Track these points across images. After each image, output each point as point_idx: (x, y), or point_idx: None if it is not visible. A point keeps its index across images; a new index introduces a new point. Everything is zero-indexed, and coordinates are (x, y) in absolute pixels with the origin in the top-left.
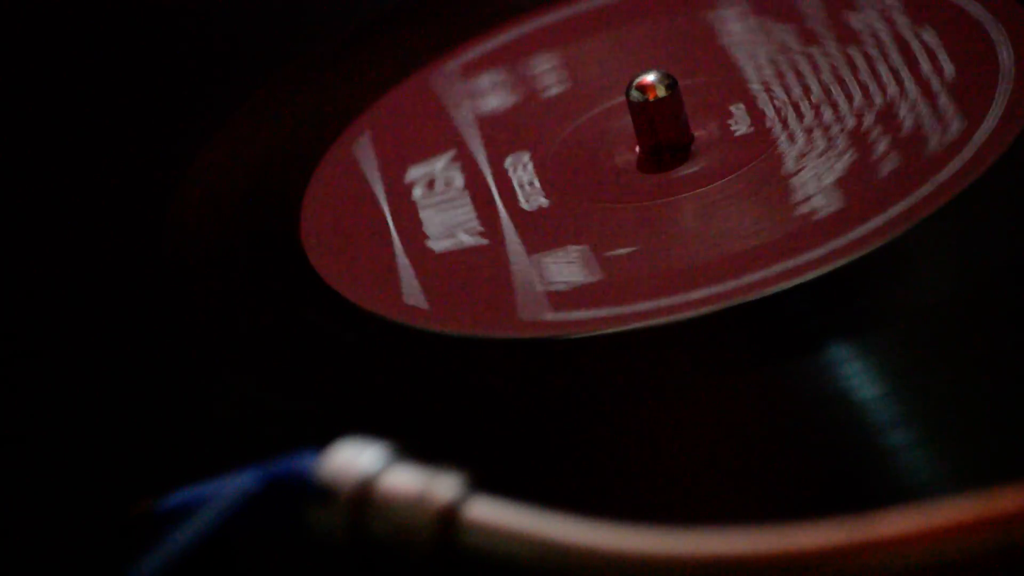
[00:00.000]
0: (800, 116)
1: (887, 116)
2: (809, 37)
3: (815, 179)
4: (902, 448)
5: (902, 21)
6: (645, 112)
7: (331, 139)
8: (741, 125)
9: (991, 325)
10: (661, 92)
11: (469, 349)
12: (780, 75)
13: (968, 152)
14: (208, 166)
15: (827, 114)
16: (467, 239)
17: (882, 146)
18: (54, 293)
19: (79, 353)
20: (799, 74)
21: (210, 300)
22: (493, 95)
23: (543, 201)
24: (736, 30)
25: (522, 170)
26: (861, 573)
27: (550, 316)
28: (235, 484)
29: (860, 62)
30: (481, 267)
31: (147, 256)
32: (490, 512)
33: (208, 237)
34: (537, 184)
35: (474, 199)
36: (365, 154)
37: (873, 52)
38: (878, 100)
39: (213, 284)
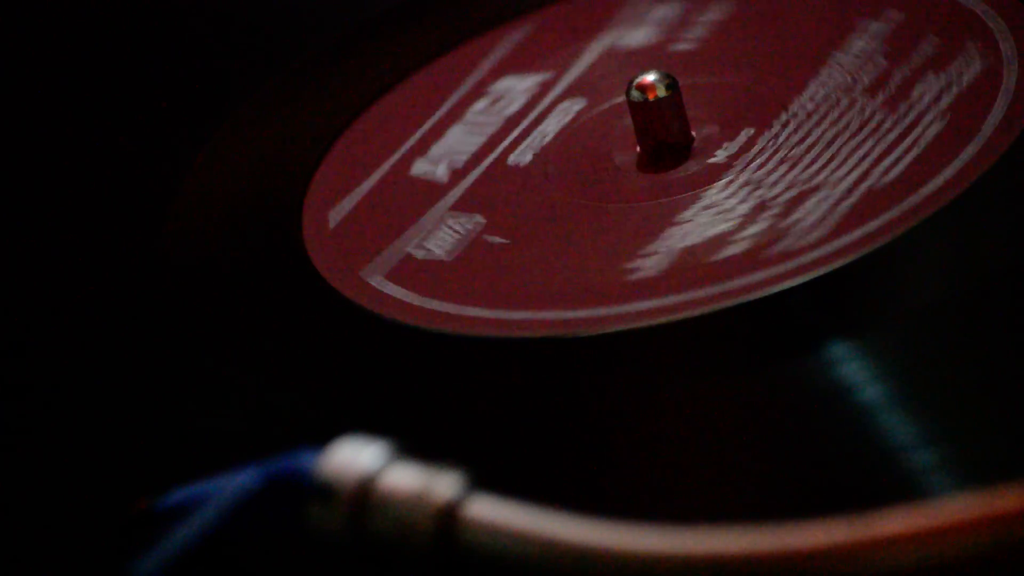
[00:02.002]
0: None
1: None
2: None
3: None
4: (902, 448)
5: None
6: (645, 112)
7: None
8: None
9: (991, 325)
10: (661, 92)
11: (469, 349)
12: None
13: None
14: (208, 166)
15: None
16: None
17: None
18: (55, 293)
19: (79, 353)
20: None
21: (210, 300)
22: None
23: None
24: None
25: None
26: (861, 573)
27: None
28: (235, 482)
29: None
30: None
31: (147, 256)
32: (490, 510)
33: (208, 237)
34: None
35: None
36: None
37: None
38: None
39: (213, 284)
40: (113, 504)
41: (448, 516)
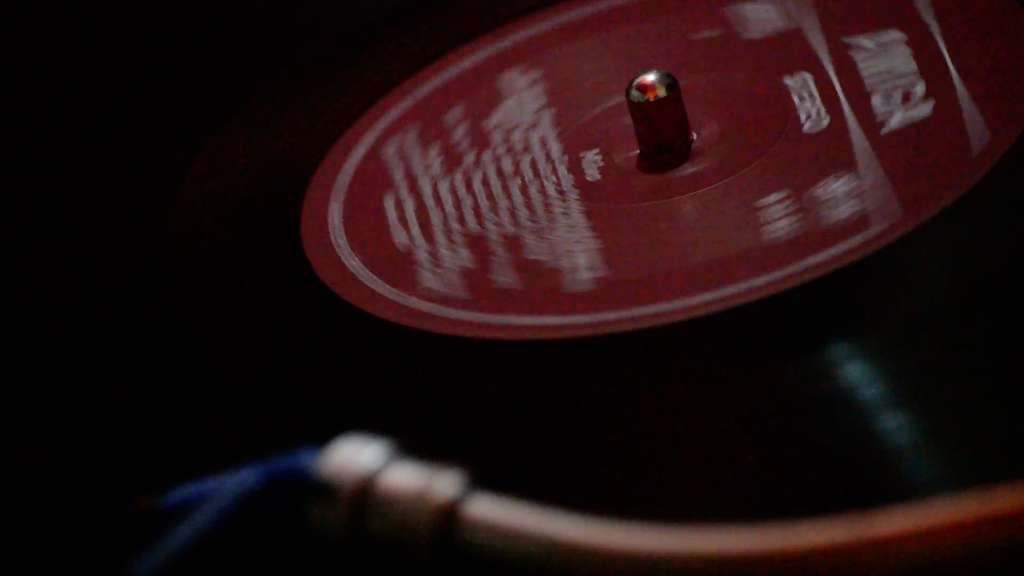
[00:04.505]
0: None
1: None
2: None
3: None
4: (902, 448)
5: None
6: (645, 112)
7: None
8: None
9: (991, 326)
10: (661, 92)
11: (469, 349)
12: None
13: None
14: (208, 167)
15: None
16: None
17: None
18: (55, 294)
19: (80, 353)
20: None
21: (210, 300)
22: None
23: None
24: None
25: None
26: (861, 573)
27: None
28: (236, 481)
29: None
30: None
31: (148, 256)
32: (490, 509)
33: (208, 237)
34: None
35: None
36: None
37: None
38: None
39: (213, 284)
40: (113, 504)
41: (448, 515)
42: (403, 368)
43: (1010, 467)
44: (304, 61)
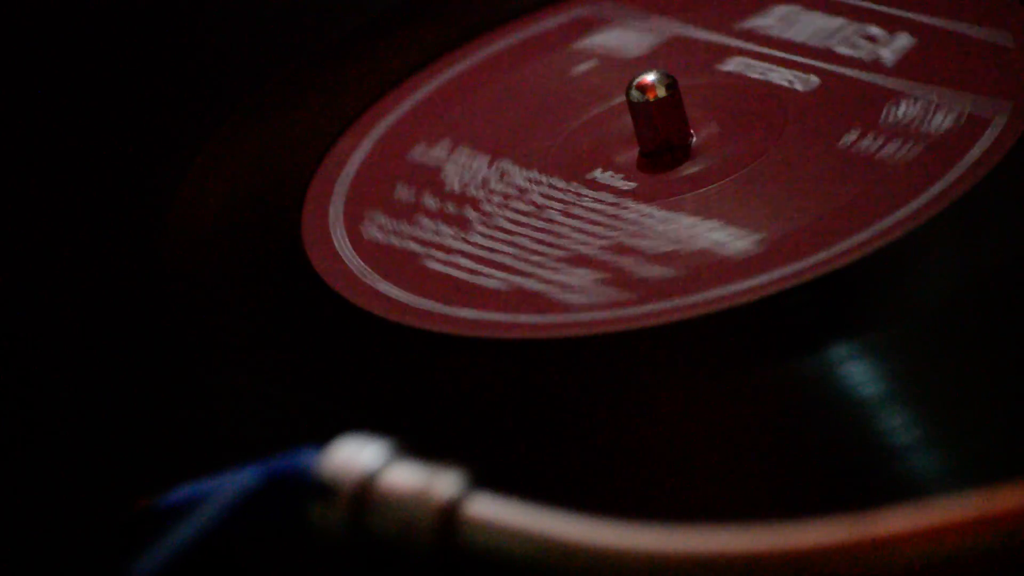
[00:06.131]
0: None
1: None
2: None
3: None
4: (902, 447)
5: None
6: (645, 112)
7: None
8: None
9: (991, 326)
10: (661, 92)
11: (469, 349)
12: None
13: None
14: (208, 167)
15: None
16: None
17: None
18: (56, 294)
19: (80, 353)
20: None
21: (210, 300)
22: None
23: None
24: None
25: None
26: (861, 572)
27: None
28: (236, 481)
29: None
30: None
31: (148, 256)
32: (490, 509)
33: (208, 237)
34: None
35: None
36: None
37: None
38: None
39: (213, 284)
40: (113, 504)
41: (448, 515)
42: (403, 368)
43: (1010, 467)
44: (304, 61)
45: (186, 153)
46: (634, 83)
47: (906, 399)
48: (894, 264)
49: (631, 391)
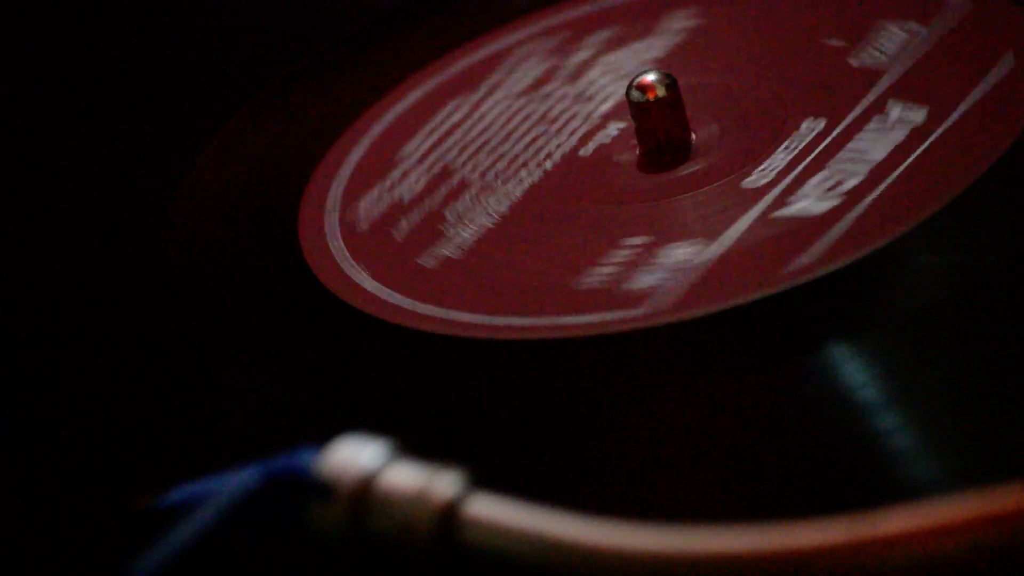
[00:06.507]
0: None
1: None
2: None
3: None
4: (902, 447)
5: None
6: (645, 112)
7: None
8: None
9: (990, 326)
10: (661, 92)
11: (469, 349)
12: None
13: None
14: (208, 167)
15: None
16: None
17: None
18: (55, 293)
19: (80, 352)
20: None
21: (209, 300)
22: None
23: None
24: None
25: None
26: (861, 572)
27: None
28: (236, 481)
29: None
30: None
31: (147, 256)
32: (490, 509)
33: (207, 237)
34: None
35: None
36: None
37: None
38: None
39: (213, 284)
40: (113, 504)
41: (448, 515)
42: (403, 368)
43: (1010, 467)
44: (304, 61)
45: (186, 153)
46: (634, 83)
47: (906, 399)
48: (894, 264)
49: (630, 391)
